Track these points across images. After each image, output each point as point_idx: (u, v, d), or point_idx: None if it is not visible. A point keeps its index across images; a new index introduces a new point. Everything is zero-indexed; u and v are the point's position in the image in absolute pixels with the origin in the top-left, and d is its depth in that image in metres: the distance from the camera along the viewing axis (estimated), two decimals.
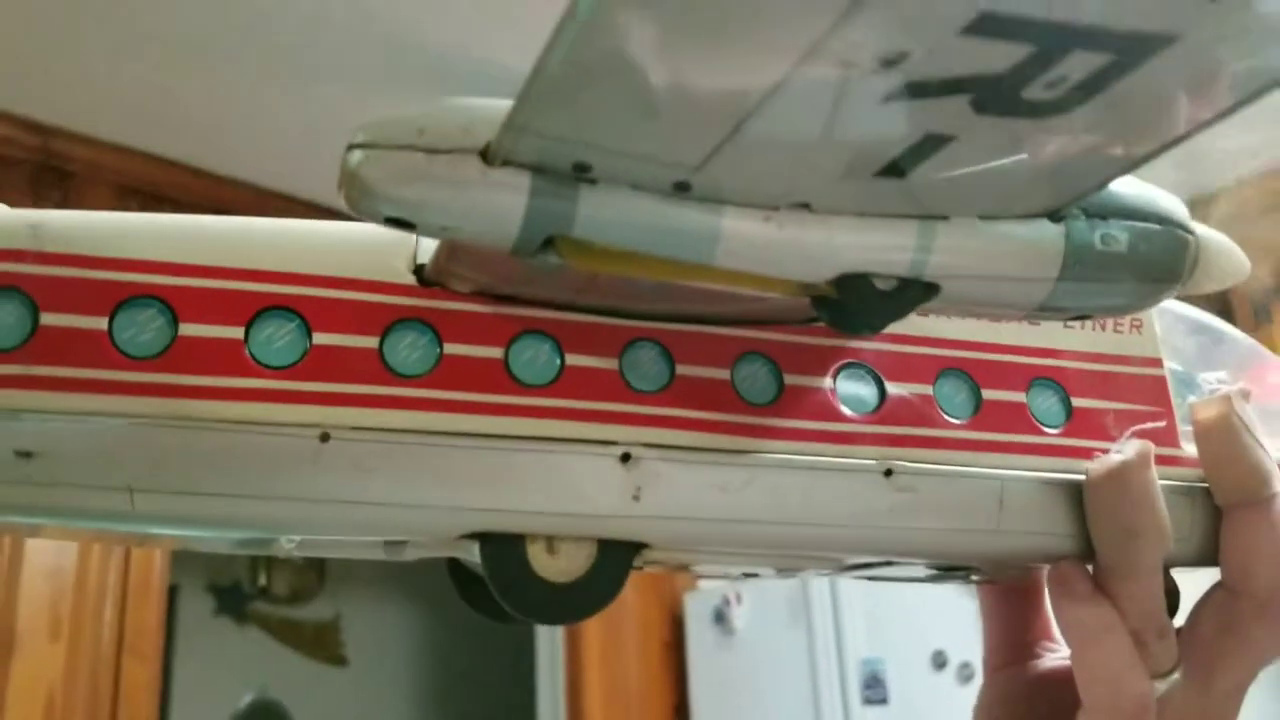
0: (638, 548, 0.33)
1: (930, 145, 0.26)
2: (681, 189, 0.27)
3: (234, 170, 2.20)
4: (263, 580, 3.34)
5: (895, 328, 0.35)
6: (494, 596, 0.32)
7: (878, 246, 0.29)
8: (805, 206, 0.28)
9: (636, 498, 0.32)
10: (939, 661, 2.15)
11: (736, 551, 0.35)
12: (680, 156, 0.26)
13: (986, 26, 0.21)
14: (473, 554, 0.32)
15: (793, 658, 2.35)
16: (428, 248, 0.32)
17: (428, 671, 3.55)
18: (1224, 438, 0.37)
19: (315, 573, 3.40)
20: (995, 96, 0.24)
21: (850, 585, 2.29)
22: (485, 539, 0.31)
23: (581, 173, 0.26)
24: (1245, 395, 0.38)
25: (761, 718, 2.39)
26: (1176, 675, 0.37)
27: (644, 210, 0.27)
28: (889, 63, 0.22)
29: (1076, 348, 0.38)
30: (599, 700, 2.52)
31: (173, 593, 3.01)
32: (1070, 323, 0.38)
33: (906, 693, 2.18)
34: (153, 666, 1.97)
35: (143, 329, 0.30)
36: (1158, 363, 0.39)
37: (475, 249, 0.30)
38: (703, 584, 2.63)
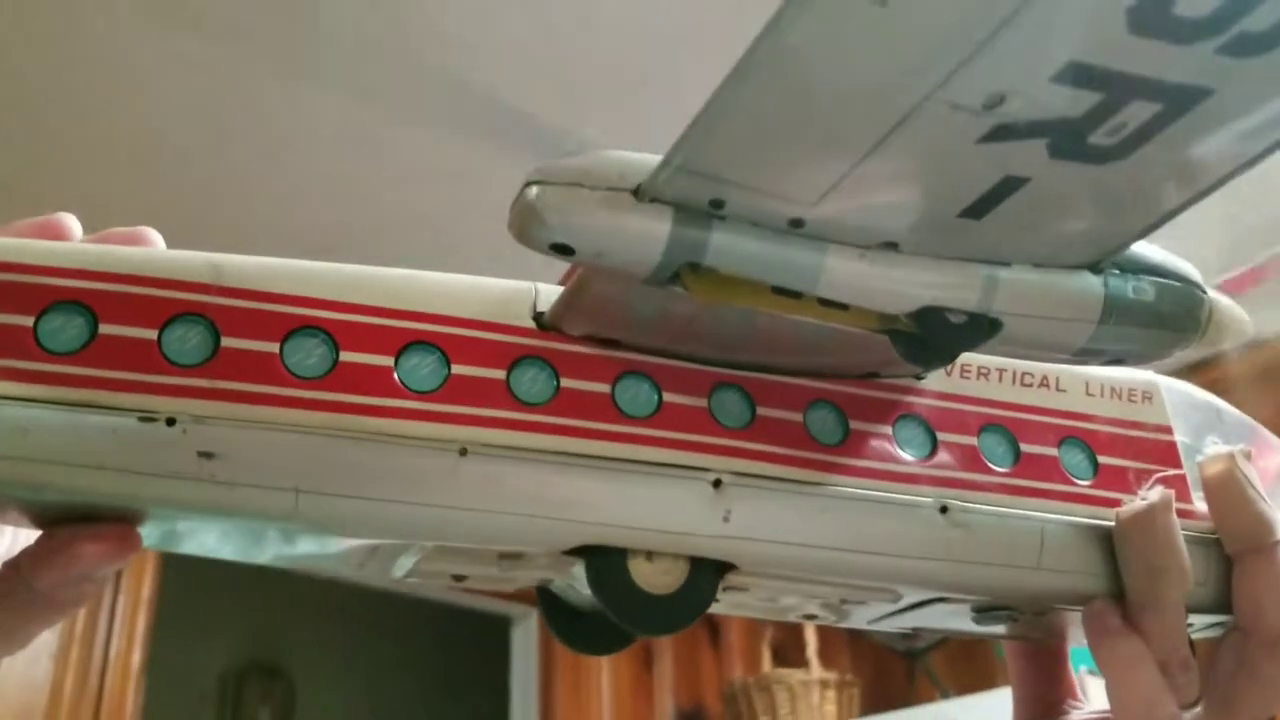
0: (725, 567, 0.37)
1: (1007, 187, 0.31)
2: (795, 225, 0.32)
3: None
4: None
5: (943, 387, 0.41)
6: (585, 629, 0.37)
7: (952, 284, 0.34)
8: (894, 247, 0.33)
9: (726, 519, 0.36)
10: None
11: (811, 579, 0.39)
12: (801, 193, 0.31)
13: (1073, 74, 0.27)
14: (575, 575, 0.37)
15: None
16: (545, 299, 0.37)
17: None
18: (1230, 490, 0.41)
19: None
20: (1067, 140, 0.29)
21: None
22: (591, 552, 0.36)
23: (715, 209, 0.32)
24: (1247, 455, 0.43)
25: None
26: (1199, 709, 0.41)
27: (763, 244, 0.32)
28: (990, 105, 0.27)
29: (1097, 413, 0.44)
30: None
31: None
32: (1091, 392, 0.44)
33: None
34: None
35: (309, 354, 0.34)
36: (1168, 429, 0.45)
37: (590, 299, 0.36)
38: None
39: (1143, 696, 0.39)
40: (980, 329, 0.35)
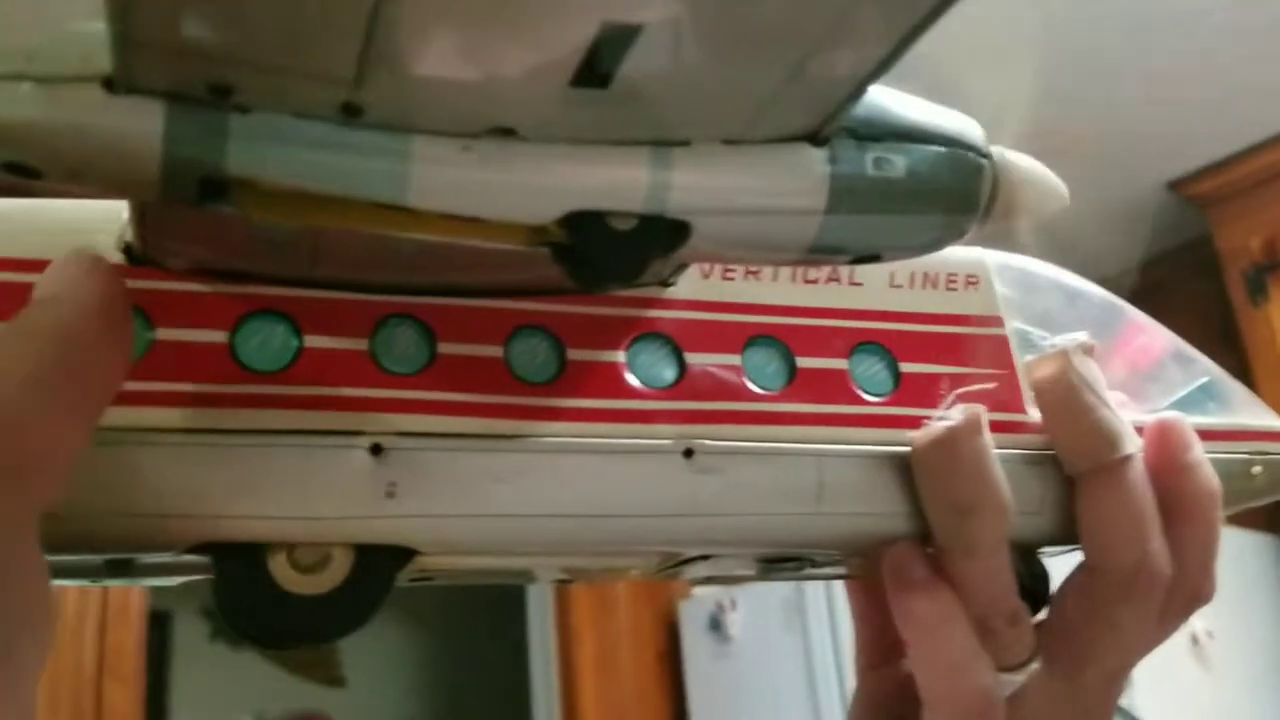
0: (403, 554, 0.29)
1: (615, 39, 0.22)
2: (352, 113, 0.23)
3: None
4: None
5: (698, 294, 0.33)
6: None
7: (603, 177, 0.25)
8: (511, 134, 0.24)
9: (391, 494, 0.28)
10: None
11: (522, 552, 0.31)
12: (329, 67, 0.22)
13: None
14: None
15: (790, 664, 2.33)
16: None
17: (427, 690, 3.53)
18: (1064, 398, 0.34)
19: None
20: None
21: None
22: (218, 551, 0.28)
23: (223, 97, 0.23)
24: (1088, 350, 0.34)
25: None
26: (1035, 665, 0.34)
27: (311, 140, 0.24)
28: None
29: (903, 308, 0.35)
30: (595, 715, 2.48)
31: (166, 619, 3.00)
32: (897, 283, 0.35)
33: None
34: (134, 690, 1.94)
35: None
36: (998, 321, 0.36)
37: (173, 214, 0.26)
38: (697, 591, 2.59)
39: (951, 661, 0.32)
40: (658, 235, 0.26)
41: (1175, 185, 2.41)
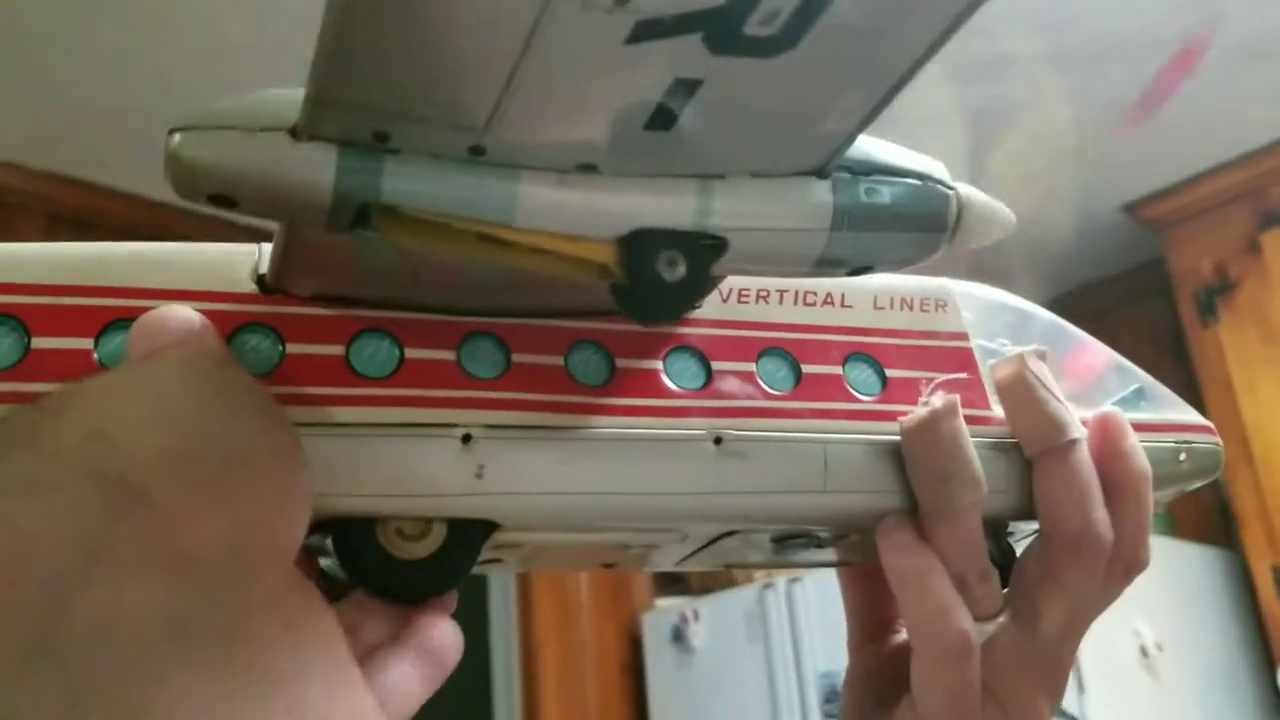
0: (490, 526, 0.35)
1: (682, 90, 0.28)
2: (477, 153, 0.30)
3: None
4: None
5: (719, 314, 0.39)
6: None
7: (663, 203, 0.32)
8: (593, 169, 0.31)
9: (480, 476, 0.34)
10: None
11: (582, 527, 0.37)
12: (466, 118, 0.29)
13: None
14: (326, 547, 0.34)
15: (752, 674, 2.34)
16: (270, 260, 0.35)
17: None
18: (1021, 392, 0.40)
19: None
20: (722, 33, 0.26)
21: (808, 597, 2.27)
22: (336, 525, 0.33)
23: (382, 141, 0.29)
24: (1041, 355, 0.41)
25: None
26: (1003, 619, 0.40)
27: (445, 175, 0.30)
28: (620, 1, 0.24)
29: (887, 326, 0.42)
30: None
31: None
32: (880, 305, 0.42)
33: None
34: None
35: None
36: (963, 336, 0.43)
37: (305, 253, 0.33)
38: (660, 603, 2.60)
39: (935, 608, 0.38)
40: (702, 251, 0.32)
41: (1130, 209, 2.47)
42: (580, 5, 0.25)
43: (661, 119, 0.29)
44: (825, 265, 0.34)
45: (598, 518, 0.36)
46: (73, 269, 0.34)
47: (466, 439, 0.34)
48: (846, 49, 0.27)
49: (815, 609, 2.27)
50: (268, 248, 0.35)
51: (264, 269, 0.35)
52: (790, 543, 0.41)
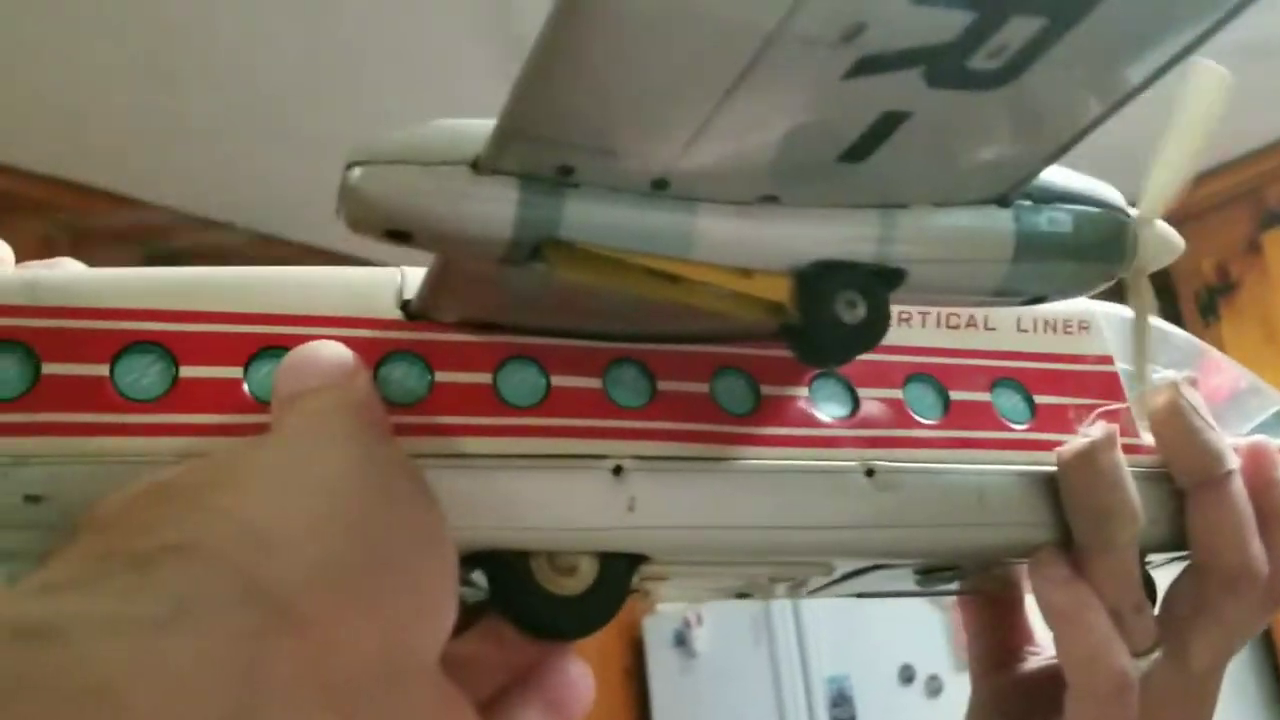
0: (638, 559, 0.34)
1: (887, 124, 0.27)
2: (660, 186, 0.29)
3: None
4: None
5: None
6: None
7: (844, 234, 0.30)
8: (774, 200, 0.30)
9: (631, 509, 0.33)
10: (906, 676, 2.12)
11: (731, 560, 0.36)
12: (658, 152, 0.27)
13: None
14: (474, 580, 0.33)
15: (757, 678, 2.33)
16: (413, 285, 0.34)
17: None
18: (1176, 421, 0.39)
19: None
20: (945, 67, 0.25)
21: (813, 601, 2.26)
22: (488, 559, 0.32)
23: (566, 175, 0.28)
24: (1192, 382, 0.40)
25: None
26: (1157, 654, 0.38)
27: (625, 209, 0.29)
28: (848, 37, 0.23)
29: (1032, 349, 0.41)
30: None
31: None
32: (1024, 327, 0.40)
33: (874, 709, 2.15)
34: None
35: (143, 374, 0.31)
36: (1109, 359, 0.42)
37: (457, 280, 0.32)
38: (661, 607, 2.59)
39: (1091, 646, 0.37)
40: (882, 282, 0.31)
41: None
42: (803, 42, 0.23)
43: (859, 151, 0.28)
44: (1002, 296, 0.33)
45: (749, 551, 0.35)
46: (216, 294, 0.33)
47: (618, 470, 0.33)
48: (1066, 80, 0.27)
49: (822, 611, 2.25)
50: (410, 271, 0.34)
51: (408, 294, 0.34)
52: (935, 575, 0.40)
